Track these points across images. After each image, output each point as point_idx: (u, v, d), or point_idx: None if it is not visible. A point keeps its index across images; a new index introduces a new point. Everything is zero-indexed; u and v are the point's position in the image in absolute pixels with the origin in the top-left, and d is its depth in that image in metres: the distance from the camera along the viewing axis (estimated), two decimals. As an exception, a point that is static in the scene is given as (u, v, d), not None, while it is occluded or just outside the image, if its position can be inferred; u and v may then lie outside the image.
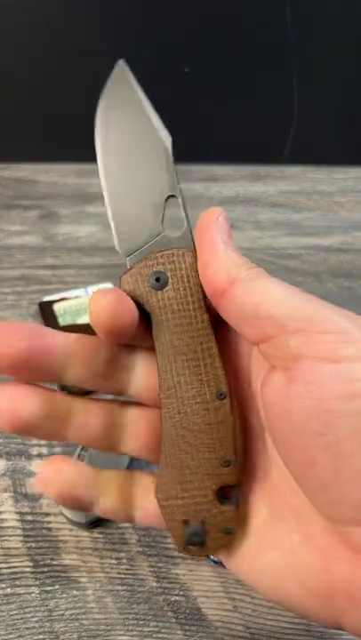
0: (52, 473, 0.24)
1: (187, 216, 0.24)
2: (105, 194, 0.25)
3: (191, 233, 0.24)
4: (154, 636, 0.30)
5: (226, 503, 0.23)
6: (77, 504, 0.24)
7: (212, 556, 0.33)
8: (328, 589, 0.20)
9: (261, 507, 0.23)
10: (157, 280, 0.23)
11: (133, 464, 0.38)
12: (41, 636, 0.30)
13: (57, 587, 0.32)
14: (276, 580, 0.21)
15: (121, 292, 0.22)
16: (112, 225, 0.24)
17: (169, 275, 0.23)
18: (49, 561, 0.33)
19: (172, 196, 0.24)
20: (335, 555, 0.20)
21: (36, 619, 0.31)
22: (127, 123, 0.25)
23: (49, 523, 0.35)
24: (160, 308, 0.23)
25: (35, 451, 0.39)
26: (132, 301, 0.22)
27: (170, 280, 0.23)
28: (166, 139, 0.25)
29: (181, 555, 0.34)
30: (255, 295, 0.20)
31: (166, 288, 0.23)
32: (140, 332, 0.23)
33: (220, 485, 0.23)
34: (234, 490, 0.23)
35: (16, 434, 0.23)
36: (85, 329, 0.47)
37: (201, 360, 0.23)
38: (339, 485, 0.18)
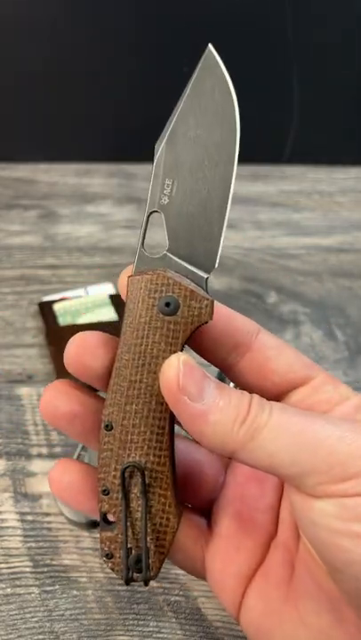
0: (60, 474, 0.24)
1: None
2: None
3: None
4: (154, 636, 0.30)
5: (106, 529, 0.23)
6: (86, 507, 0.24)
7: None
8: None
9: (279, 568, 0.23)
10: (168, 305, 0.22)
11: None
12: (41, 636, 0.30)
13: (57, 587, 0.32)
14: None
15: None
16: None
17: (180, 300, 0.22)
18: (49, 561, 0.33)
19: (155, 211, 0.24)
20: None
21: (35, 619, 0.31)
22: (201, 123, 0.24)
23: (49, 523, 0.35)
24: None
25: (35, 451, 0.39)
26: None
27: (180, 303, 0.22)
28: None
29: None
30: (262, 458, 0.19)
31: (179, 312, 0.22)
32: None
33: (102, 511, 0.23)
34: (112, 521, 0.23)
35: (54, 426, 0.24)
36: (85, 329, 0.47)
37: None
38: None
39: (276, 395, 0.23)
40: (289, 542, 0.23)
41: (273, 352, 0.23)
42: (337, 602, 0.21)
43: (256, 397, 0.20)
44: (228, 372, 0.24)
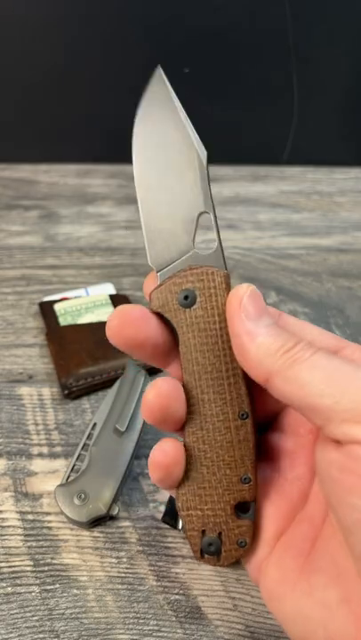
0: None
1: (218, 234, 0.24)
2: (139, 206, 0.24)
3: (222, 251, 0.24)
4: (154, 634, 0.30)
5: (242, 517, 0.24)
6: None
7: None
8: None
9: (305, 542, 0.23)
10: (186, 298, 0.23)
11: (133, 464, 0.38)
12: (41, 635, 0.30)
13: (57, 586, 0.32)
14: (304, 628, 0.22)
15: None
16: (145, 240, 0.24)
17: (197, 293, 0.23)
18: (49, 560, 0.33)
19: (205, 212, 0.24)
20: None
21: (36, 618, 0.31)
22: (164, 134, 0.24)
23: (49, 522, 0.35)
24: (187, 326, 0.23)
25: (35, 450, 0.39)
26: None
27: (198, 299, 0.23)
28: (202, 153, 0.25)
29: (181, 554, 0.34)
30: (295, 387, 0.20)
31: (194, 306, 0.23)
32: (169, 348, 0.24)
33: (239, 501, 0.24)
34: (251, 505, 0.24)
35: (154, 423, 0.24)
36: (86, 329, 0.47)
37: (225, 379, 0.23)
38: None
39: None
40: (315, 518, 0.24)
41: (297, 327, 0.24)
42: (349, 581, 0.21)
43: (305, 341, 0.21)
44: None
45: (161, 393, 0.23)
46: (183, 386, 0.24)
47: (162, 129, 0.24)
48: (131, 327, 0.23)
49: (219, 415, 0.23)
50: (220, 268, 0.23)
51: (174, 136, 0.24)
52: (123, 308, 0.23)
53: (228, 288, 0.23)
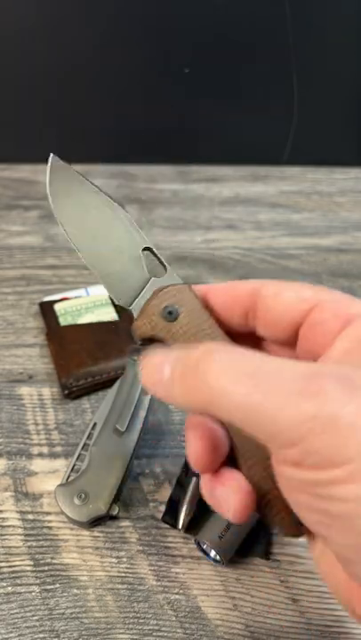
0: None
1: (162, 262, 0.27)
2: (86, 262, 0.27)
3: (173, 272, 0.26)
4: (154, 634, 0.31)
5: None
6: None
7: (212, 555, 0.33)
8: None
9: None
10: (170, 313, 0.25)
11: (133, 464, 0.38)
12: (41, 635, 0.30)
13: (57, 585, 0.32)
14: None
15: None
16: (104, 286, 0.27)
17: (177, 306, 0.25)
18: (49, 560, 0.33)
19: (147, 248, 0.27)
20: None
21: (36, 617, 0.31)
22: (80, 203, 0.28)
23: (49, 522, 0.35)
24: (181, 335, 0.25)
25: (35, 450, 0.39)
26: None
27: (180, 309, 0.25)
28: (119, 205, 0.28)
29: (181, 553, 0.34)
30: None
31: (180, 316, 0.25)
32: None
33: None
34: None
35: None
36: (86, 329, 0.47)
37: None
38: None
39: (293, 341, 0.24)
40: None
41: (270, 301, 0.24)
42: None
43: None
44: (259, 346, 0.25)
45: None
46: None
47: (77, 199, 0.28)
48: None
49: None
50: (183, 284, 0.26)
51: (90, 201, 0.28)
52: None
53: (196, 295, 0.25)
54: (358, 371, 0.18)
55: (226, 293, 0.25)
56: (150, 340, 0.26)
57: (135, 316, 0.26)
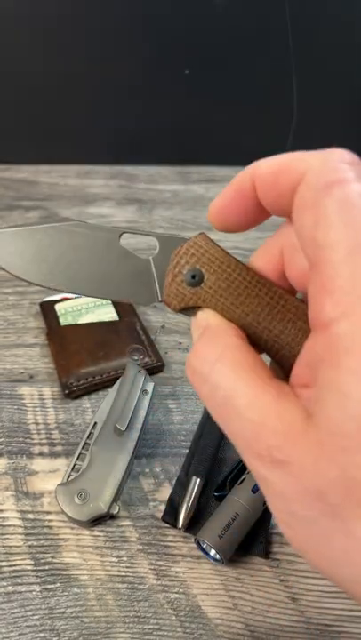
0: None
1: (149, 233, 0.24)
2: (95, 297, 0.25)
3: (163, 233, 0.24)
4: (154, 633, 0.31)
5: None
6: None
7: (212, 554, 0.33)
8: None
9: None
10: (193, 277, 0.23)
11: (133, 464, 0.38)
12: (42, 634, 0.30)
13: (58, 585, 0.32)
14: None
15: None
16: (129, 300, 0.24)
17: (198, 266, 0.23)
18: (50, 559, 0.34)
19: (124, 231, 0.25)
20: None
21: (37, 616, 0.31)
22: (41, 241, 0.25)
23: (50, 521, 0.35)
24: (210, 297, 0.22)
25: (36, 450, 0.39)
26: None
27: (203, 269, 0.23)
28: (65, 219, 0.25)
29: (181, 553, 0.34)
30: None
31: (205, 278, 0.22)
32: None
33: None
34: None
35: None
36: (86, 329, 0.48)
37: (277, 305, 0.22)
38: None
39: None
40: None
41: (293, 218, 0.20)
42: None
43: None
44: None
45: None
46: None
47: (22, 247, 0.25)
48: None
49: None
50: (194, 237, 0.23)
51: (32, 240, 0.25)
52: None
53: (212, 241, 0.23)
54: None
55: (271, 186, 0.21)
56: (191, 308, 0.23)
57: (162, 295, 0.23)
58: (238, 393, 0.17)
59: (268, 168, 0.20)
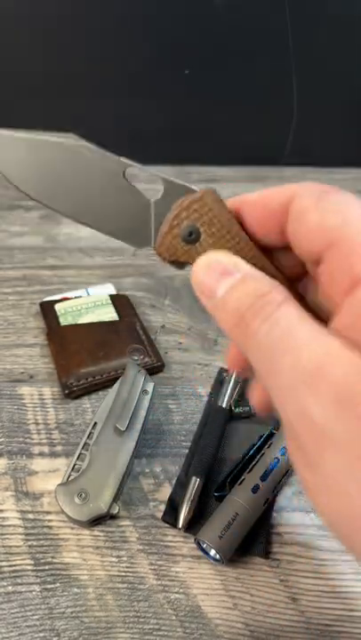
0: None
1: (157, 175, 0.23)
2: (91, 229, 0.24)
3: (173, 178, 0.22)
4: (154, 633, 0.31)
5: None
6: None
7: (212, 554, 0.33)
8: None
9: None
10: (190, 234, 0.22)
11: (133, 464, 0.38)
12: (42, 634, 0.30)
13: (58, 585, 0.32)
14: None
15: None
16: (122, 241, 0.23)
17: (198, 225, 0.22)
18: (50, 559, 0.34)
19: (128, 165, 0.23)
20: None
21: (36, 616, 0.31)
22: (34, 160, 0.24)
23: (50, 521, 0.35)
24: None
25: (36, 450, 0.39)
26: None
27: (201, 228, 0.22)
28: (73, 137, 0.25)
29: (181, 553, 0.34)
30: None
31: (201, 238, 0.22)
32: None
33: None
34: None
35: None
36: (86, 329, 0.48)
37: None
38: None
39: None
40: None
41: (294, 226, 0.21)
42: None
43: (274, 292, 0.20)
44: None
45: None
46: None
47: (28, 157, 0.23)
48: None
49: None
50: (190, 188, 0.22)
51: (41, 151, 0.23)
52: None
53: (220, 200, 0.22)
54: None
55: (260, 207, 0.22)
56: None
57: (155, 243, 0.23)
58: (304, 328, 0.19)
59: (255, 195, 0.22)
